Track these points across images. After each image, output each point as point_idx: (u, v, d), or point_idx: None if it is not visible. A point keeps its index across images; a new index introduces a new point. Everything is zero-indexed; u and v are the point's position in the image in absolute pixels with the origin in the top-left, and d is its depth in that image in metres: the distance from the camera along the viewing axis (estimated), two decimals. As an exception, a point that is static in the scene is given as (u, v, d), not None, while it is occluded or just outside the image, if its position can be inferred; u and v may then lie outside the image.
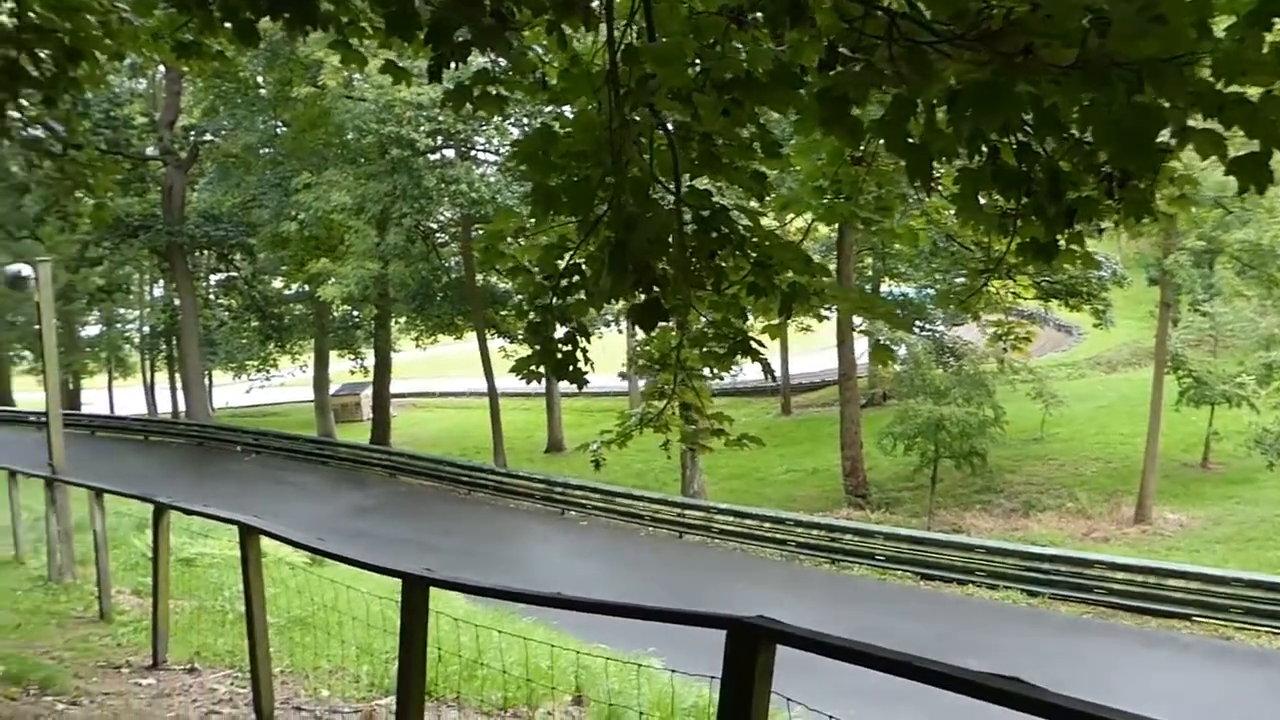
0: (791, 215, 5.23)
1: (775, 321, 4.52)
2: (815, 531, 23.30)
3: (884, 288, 35.67)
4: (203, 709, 6.42)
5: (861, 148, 4.30)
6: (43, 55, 5.74)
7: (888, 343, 22.40)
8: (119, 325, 56.13)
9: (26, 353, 51.79)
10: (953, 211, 4.36)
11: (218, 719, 6.16)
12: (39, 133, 6.83)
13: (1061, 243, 3.74)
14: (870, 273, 36.45)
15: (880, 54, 2.78)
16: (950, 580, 20.65)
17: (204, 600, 10.82)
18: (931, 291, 31.46)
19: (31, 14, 5.60)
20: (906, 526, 24.32)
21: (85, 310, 50.79)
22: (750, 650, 2.82)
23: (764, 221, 4.42)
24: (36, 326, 14.07)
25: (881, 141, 4.20)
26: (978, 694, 2.25)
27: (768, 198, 4.32)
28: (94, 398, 56.74)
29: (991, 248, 5.95)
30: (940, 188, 5.25)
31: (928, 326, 32.42)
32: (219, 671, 7.45)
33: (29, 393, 51.53)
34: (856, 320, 28.75)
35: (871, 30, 2.81)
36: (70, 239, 41.22)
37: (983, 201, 3.62)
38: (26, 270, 12.92)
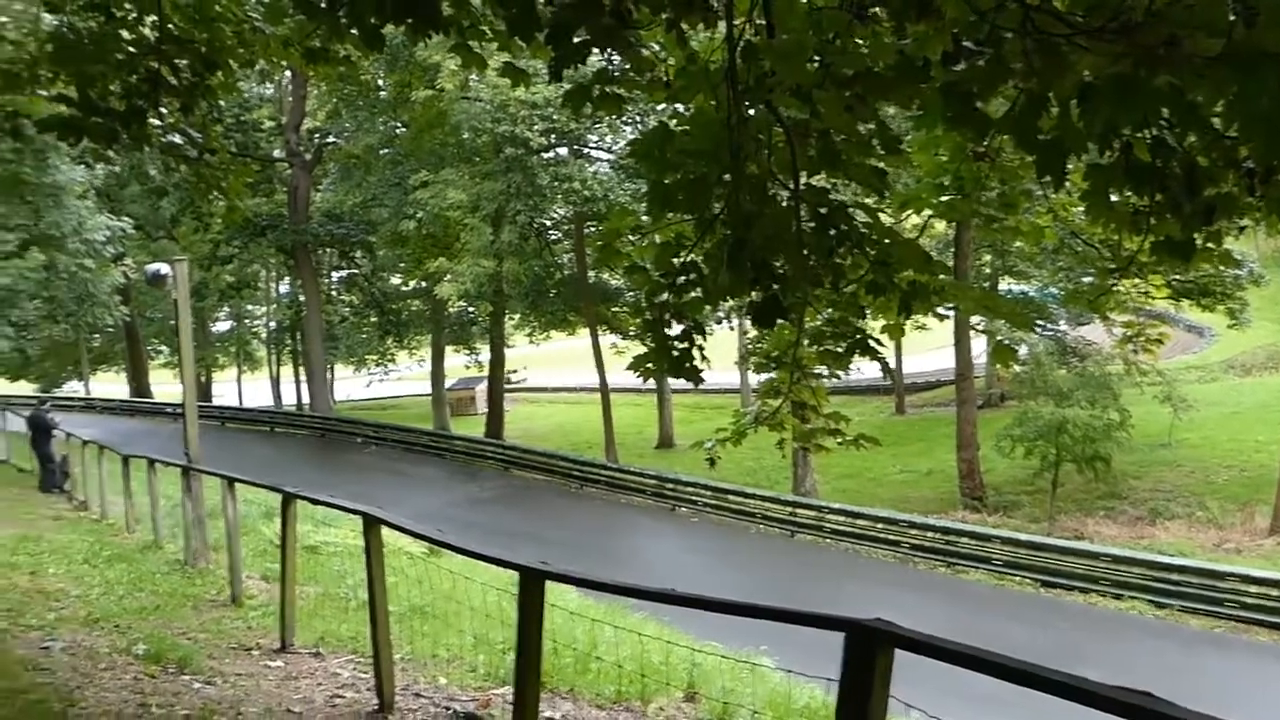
0: (909, 213, 5.12)
1: (894, 321, 4.44)
2: (930, 534, 22.82)
3: (1002, 286, 34.71)
4: (327, 692, 6.63)
5: (985, 143, 4.19)
6: (181, 65, 5.96)
7: (1009, 343, 21.78)
8: (247, 321, 58.44)
9: (163, 347, 54.35)
10: (1081, 209, 4.22)
11: (341, 702, 6.35)
12: (176, 139, 7.10)
13: (1198, 241, 3.59)
14: (988, 270, 35.55)
15: (1011, 47, 2.71)
16: (1072, 588, 19.96)
17: (327, 587, 11.19)
18: (1055, 291, 30.45)
19: (171, 26, 5.83)
20: (1025, 531, 23.58)
21: (216, 306, 53.03)
22: (868, 653, 2.78)
23: (881, 218, 4.34)
24: (173, 322, 14.71)
25: (1007, 137, 4.11)
26: (1105, 707, 2.17)
27: (886, 194, 4.25)
28: (224, 390, 59.25)
29: (1122, 246, 5.74)
30: (1068, 184, 5.09)
31: (1049, 326, 31.42)
32: (342, 656, 7.69)
33: (164, 385, 54.09)
34: (974, 319, 28.06)
35: (1004, 23, 2.74)
36: (203, 238, 43.15)
37: (1114, 198, 3.49)
38: (165, 269, 13.53)
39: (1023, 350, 27.73)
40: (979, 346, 31.72)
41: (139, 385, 51.07)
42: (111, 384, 60.23)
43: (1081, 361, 29.60)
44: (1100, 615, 18.82)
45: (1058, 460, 26.04)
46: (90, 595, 9.93)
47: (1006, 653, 2.46)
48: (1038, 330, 29.33)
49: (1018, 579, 20.74)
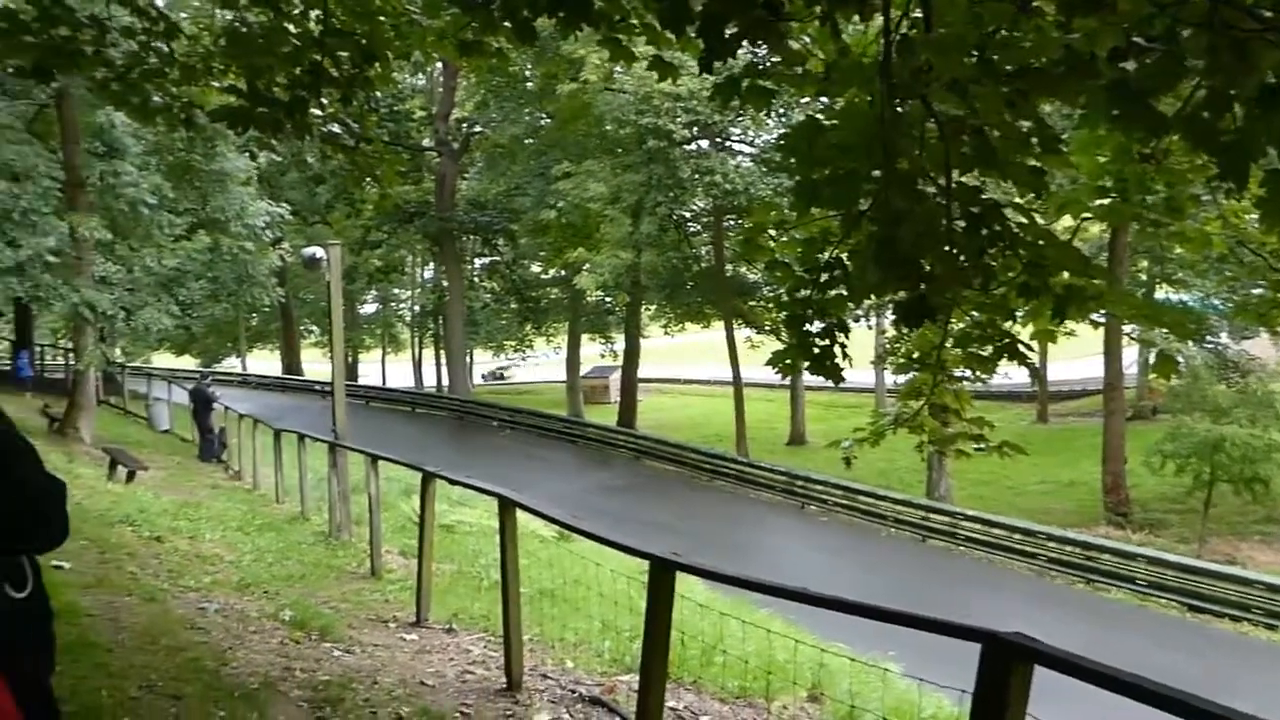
0: (1065, 215, 4.91)
1: (1045, 326, 4.28)
2: (1070, 548, 21.96)
3: (1158, 294, 33.13)
4: (458, 667, 6.82)
5: (1153, 144, 4.00)
6: (342, 57, 6.18)
7: (1174, 344, 20.69)
8: (393, 304, 60.42)
9: (314, 327, 56.71)
10: (1255, 216, 3.99)
11: (471, 679, 6.51)
12: (335, 128, 7.33)
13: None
14: (1144, 277, 33.99)
15: (1190, 43, 2.58)
16: (1222, 615, 18.97)
17: (461, 565, 11.51)
18: (1217, 302, 28.89)
19: (334, 20, 6.06)
20: (1173, 552, 22.48)
21: (364, 290, 54.99)
22: (1006, 668, 2.70)
23: (1036, 219, 4.19)
24: (324, 304, 15.35)
25: (1175, 138, 3.91)
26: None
27: (1044, 195, 4.09)
28: (368, 370, 61.45)
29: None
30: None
31: (1210, 339, 29.84)
32: (473, 634, 7.90)
33: (313, 364, 56.45)
34: (1128, 328, 26.86)
35: (1187, 16, 2.60)
36: (354, 224, 44.79)
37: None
38: (320, 252, 14.14)
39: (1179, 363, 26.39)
40: (1129, 357, 30.26)
41: (290, 363, 53.35)
42: (265, 361, 63.19)
43: (1243, 378, 28.03)
44: (1253, 645, 17.82)
45: (1211, 479, 24.71)
46: (242, 561, 10.44)
47: (1151, 677, 2.35)
48: (1198, 343, 27.90)
49: (1162, 601, 19.83)
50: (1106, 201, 4.65)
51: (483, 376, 58.04)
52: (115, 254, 21.92)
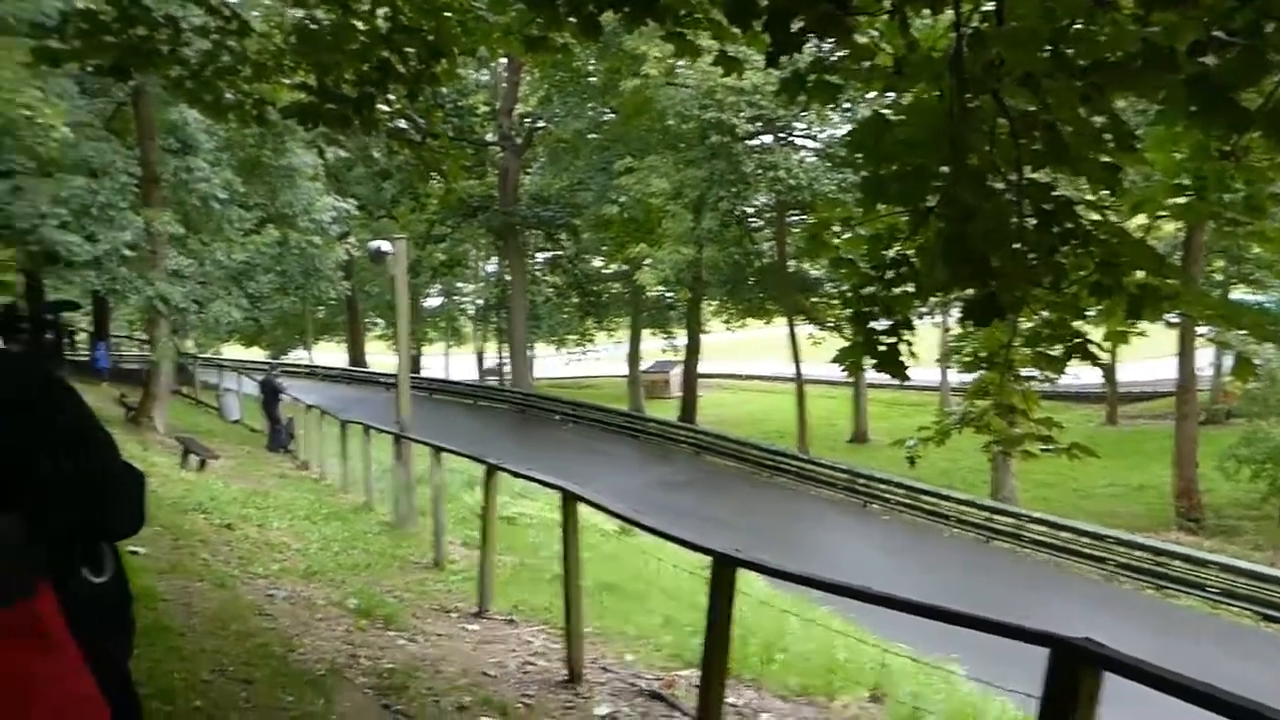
0: (1141, 215, 4.79)
1: (1118, 327, 4.18)
2: (1138, 553, 21.45)
3: (1234, 295, 32.21)
4: (520, 659, 6.88)
5: (1233, 141, 3.89)
6: (409, 53, 6.25)
7: (1252, 346, 20.11)
8: (456, 298, 60.98)
9: (379, 320, 57.48)
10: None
11: (533, 670, 6.57)
12: (401, 124, 7.40)
13: None
14: (1219, 277, 33.07)
15: (1276, 37, 2.50)
16: (1299, 625, 18.45)
17: (523, 557, 11.59)
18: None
19: (402, 17, 6.14)
20: (1246, 559, 21.86)
21: (428, 283, 55.54)
22: (1074, 674, 2.66)
23: (1109, 216, 4.09)
24: (389, 297, 15.57)
25: (1257, 134, 3.80)
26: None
27: (1118, 191, 4.00)
28: (432, 363, 62.12)
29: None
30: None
31: (1288, 339, 28.93)
32: (534, 625, 7.96)
33: (377, 356, 57.24)
34: (1201, 329, 26.17)
35: (1271, 10, 2.53)
36: (419, 218, 45.30)
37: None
38: (386, 246, 14.33)
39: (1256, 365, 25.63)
40: (1203, 359, 29.45)
41: (356, 355, 54.12)
42: (331, 353, 64.19)
43: (1324, 381, 27.14)
44: (1331, 655, 17.29)
45: (1289, 485, 24.06)
46: (309, 550, 10.63)
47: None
48: (1277, 345, 27.07)
49: (1235, 609, 19.30)
50: (1183, 200, 4.53)
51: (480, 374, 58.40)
52: (187, 248, 22.45)
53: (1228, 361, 30.96)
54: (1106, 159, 3.73)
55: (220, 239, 23.30)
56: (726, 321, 49.25)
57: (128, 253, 19.72)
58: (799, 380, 37.16)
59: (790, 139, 36.22)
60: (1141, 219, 5.75)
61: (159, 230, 20.04)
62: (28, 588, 1.41)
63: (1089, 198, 4.41)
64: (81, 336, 37.86)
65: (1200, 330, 26.29)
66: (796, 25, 4.12)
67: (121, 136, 21.30)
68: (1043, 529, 23.21)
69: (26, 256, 20.30)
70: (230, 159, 22.54)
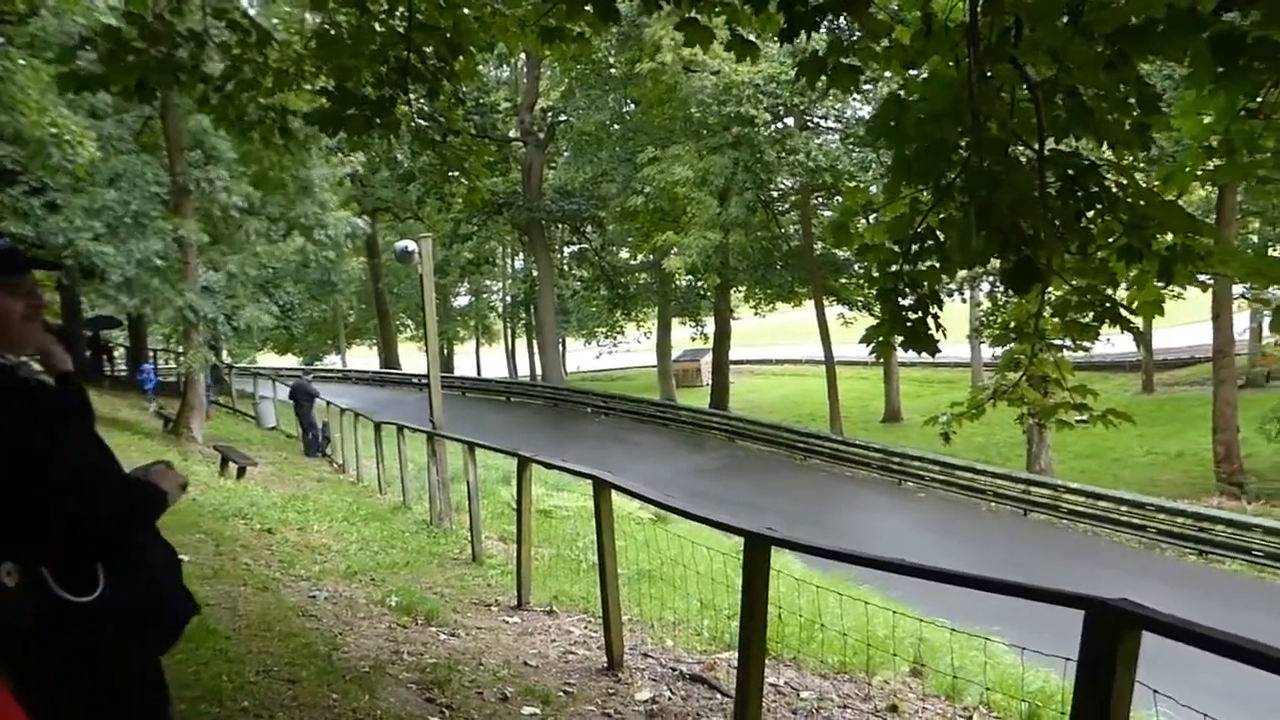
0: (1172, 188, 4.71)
1: (1151, 297, 4.13)
2: (1180, 519, 21.26)
3: (1273, 255, 31.74)
4: (560, 648, 6.92)
5: (1260, 98, 3.83)
6: (427, 52, 6.26)
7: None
8: (485, 295, 61.27)
9: (410, 321, 57.86)
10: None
11: (574, 659, 6.61)
12: (422, 123, 7.41)
13: None
14: (1255, 239, 32.62)
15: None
16: (1348, 584, 18.23)
17: (560, 549, 11.66)
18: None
19: (419, 15, 6.15)
20: (1293, 522, 21.63)
21: (457, 282, 55.86)
22: (1112, 635, 2.64)
23: (1137, 178, 4.05)
24: (418, 298, 15.65)
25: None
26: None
27: (1151, 151, 3.94)
28: (463, 361, 62.47)
29: None
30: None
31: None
32: (574, 615, 8.01)
33: (409, 357, 57.62)
34: (1237, 289, 25.84)
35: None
36: (445, 218, 45.49)
37: None
38: (412, 246, 14.40)
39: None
40: (1241, 322, 29.05)
41: (388, 357, 54.50)
42: (364, 356, 64.70)
43: (1367, 337, 26.73)
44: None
45: (1332, 445, 23.73)
46: (349, 550, 10.73)
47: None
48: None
49: (1281, 572, 19.12)
50: (1214, 164, 4.47)
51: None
52: (211, 259, 22.70)
53: (1266, 325, 30.48)
54: (1133, 123, 3.69)
55: (244, 249, 23.51)
56: (755, 307, 49.19)
57: (159, 262, 19.94)
58: (830, 362, 37.07)
59: (811, 123, 36.09)
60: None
61: (190, 240, 20.25)
62: None
63: (1111, 158, 4.37)
64: (119, 353, 38.46)
65: (1236, 291, 25.95)
66: (813, 1, 4.09)
67: (151, 150, 21.54)
68: (1081, 499, 23.07)
69: (64, 272, 20.61)
70: (247, 171, 22.68)
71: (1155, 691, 3.01)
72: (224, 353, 32.80)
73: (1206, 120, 4.47)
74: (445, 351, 55.13)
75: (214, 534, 10.15)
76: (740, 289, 45.61)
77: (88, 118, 17.26)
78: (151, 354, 34.30)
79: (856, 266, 35.49)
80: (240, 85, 6.35)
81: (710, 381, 43.75)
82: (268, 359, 55.12)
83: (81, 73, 5.71)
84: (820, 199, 38.33)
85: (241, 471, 16.70)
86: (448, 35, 6.24)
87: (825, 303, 38.79)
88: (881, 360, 39.05)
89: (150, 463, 2.61)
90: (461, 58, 6.43)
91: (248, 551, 9.75)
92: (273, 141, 7.07)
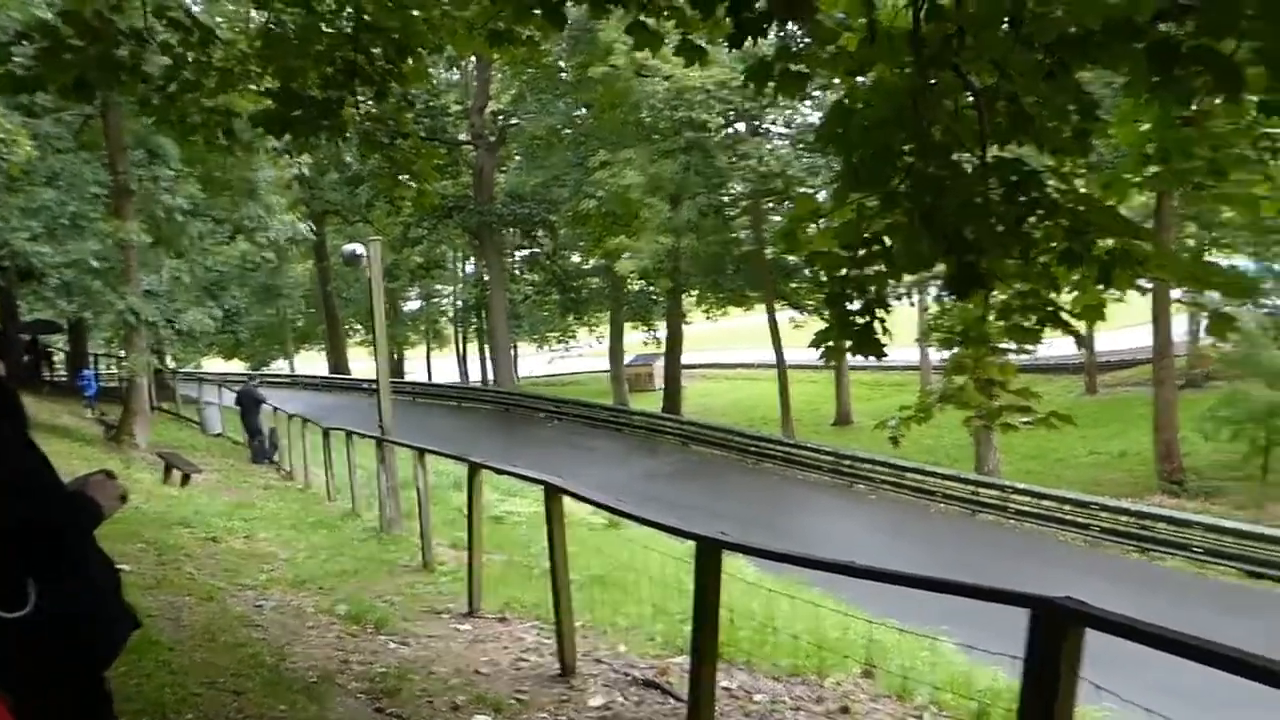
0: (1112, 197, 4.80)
1: (1094, 303, 4.20)
2: (1123, 517, 21.72)
3: (1208, 259, 32.41)
4: (512, 655, 6.88)
5: (1194, 106, 3.92)
6: (375, 53, 6.20)
7: (1227, 310, 20.27)
8: (436, 300, 60.83)
9: (359, 326, 57.27)
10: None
11: (525, 666, 6.58)
12: (371, 126, 7.34)
13: None
14: (1192, 243, 33.32)
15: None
16: (1285, 579, 18.69)
17: (512, 555, 11.59)
18: (1277, 266, 28.27)
19: (366, 15, 6.08)
20: (1230, 518, 22.13)
21: (407, 287, 55.39)
22: (1057, 633, 2.68)
23: (1076, 184, 4.12)
24: (368, 303, 15.49)
25: (1217, 100, 3.83)
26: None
27: (1083, 164, 4.03)
28: (414, 367, 61.98)
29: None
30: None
31: (1266, 303, 29.22)
32: (526, 622, 7.96)
33: (360, 362, 57.03)
34: (1175, 294, 26.39)
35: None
36: (395, 221, 45.08)
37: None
38: (360, 249, 14.27)
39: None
40: (1178, 325, 29.74)
41: (337, 362, 53.92)
42: (312, 362, 63.92)
43: (1300, 339, 27.40)
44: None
45: (1268, 444, 24.31)
46: (296, 558, 10.60)
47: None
48: (1253, 306, 27.30)
49: (1220, 568, 19.57)
50: (1151, 170, 4.57)
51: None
52: (157, 260, 22.28)
53: (1203, 328, 31.27)
54: (1073, 130, 3.76)
55: (191, 250, 23.12)
56: (707, 311, 49.38)
57: (95, 264, 19.53)
58: (781, 366, 37.32)
59: (762, 129, 36.34)
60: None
61: (132, 241, 19.85)
62: None
63: (1050, 164, 4.45)
64: (59, 358, 37.61)
65: (1174, 295, 26.50)
66: (760, 6, 4.11)
67: (91, 149, 21.11)
68: (1027, 499, 23.47)
69: (0, 274, 20.16)
70: (193, 171, 22.29)
71: (1098, 687, 3.06)
72: (168, 357, 32.23)
73: (1143, 128, 4.57)
74: (395, 356, 54.61)
75: (157, 543, 9.97)
76: (692, 293, 45.74)
77: (24, 116, 16.86)
78: (93, 359, 33.54)
79: (807, 271, 35.74)
80: (183, 86, 6.24)
81: (663, 386, 43.82)
82: (214, 364, 54.25)
83: (18, 73, 5.58)
84: (771, 204, 38.58)
85: (186, 479, 16.43)
86: (396, 37, 6.18)
87: (776, 307, 39.03)
88: (832, 364, 39.45)
89: (90, 472, 2.56)
90: (410, 60, 6.38)
91: (192, 560, 9.60)
92: (216, 144, 6.96)
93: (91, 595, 2.33)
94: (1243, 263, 30.11)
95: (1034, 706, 2.72)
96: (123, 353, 23.31)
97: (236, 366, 54.82)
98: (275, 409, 23.38)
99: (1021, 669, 2.75)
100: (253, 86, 6.57)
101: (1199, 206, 24.68)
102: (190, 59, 6.19)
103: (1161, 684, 4.02)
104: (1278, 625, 15.51)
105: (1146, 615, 2.53)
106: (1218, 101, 3.92)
